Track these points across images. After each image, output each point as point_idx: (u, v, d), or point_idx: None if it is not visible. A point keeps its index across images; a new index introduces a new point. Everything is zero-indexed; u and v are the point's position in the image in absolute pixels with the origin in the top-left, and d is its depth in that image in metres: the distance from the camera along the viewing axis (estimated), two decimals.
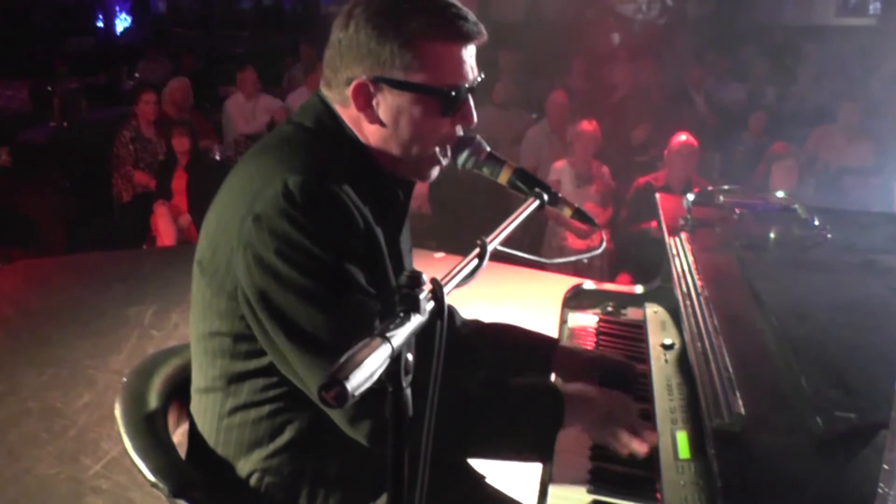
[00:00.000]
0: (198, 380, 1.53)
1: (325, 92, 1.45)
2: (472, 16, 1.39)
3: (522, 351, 1.80)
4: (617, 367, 1.81)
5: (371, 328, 1.29)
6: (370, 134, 1.43)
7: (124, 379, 1.68)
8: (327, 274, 1.29)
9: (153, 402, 1.62)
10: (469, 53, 1.41)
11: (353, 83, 1.37)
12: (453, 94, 1.39)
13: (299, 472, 1.46)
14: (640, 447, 1.45)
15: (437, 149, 1.45)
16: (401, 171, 1.49)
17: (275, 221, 1.28)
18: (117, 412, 1.59)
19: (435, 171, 1.50)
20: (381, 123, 1.40)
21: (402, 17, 1.34)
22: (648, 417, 1.64)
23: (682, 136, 5.05)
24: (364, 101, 1.38)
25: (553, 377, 1.83)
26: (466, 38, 1.39)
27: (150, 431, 1.56)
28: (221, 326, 1.41)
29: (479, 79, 1.43)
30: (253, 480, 1.47)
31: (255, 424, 1.45)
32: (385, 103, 1.38)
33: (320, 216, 1.30)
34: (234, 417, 1.46)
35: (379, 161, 1.45)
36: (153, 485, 1.45)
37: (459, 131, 1.47)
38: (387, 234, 1.46)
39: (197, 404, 1.54)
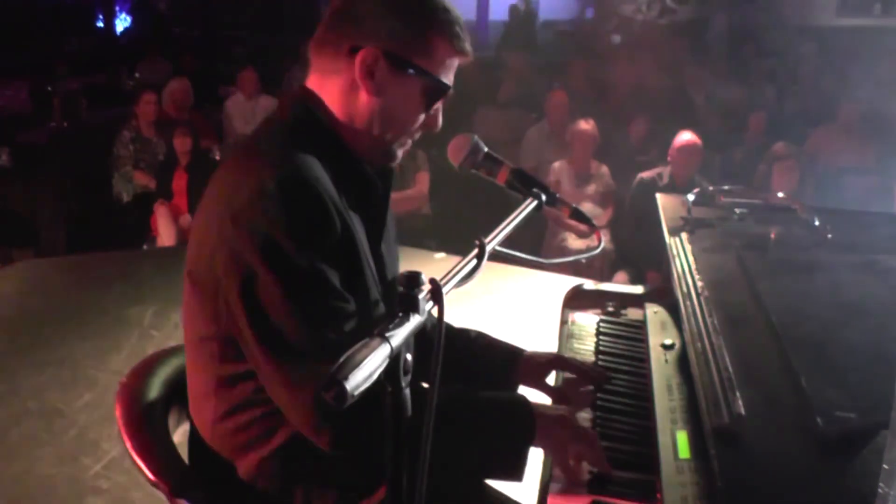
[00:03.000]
0: (192, 386, 1.53)
1: (316, 60, 1.45)
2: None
3: (488, 360, 1.79)
4: (576, 370, 1.82)
5: (342, 332, 1.29)
6: (356, 102, 1.42)
7: (123, 379, 1.68)
8: (302, 275, 1.29)
9: (153, 402, 1.63)
10: (455, 65, 1.46)
11: (363, 51, 1.37)
12: (446, 89, 1.43)
13: (293, 474, 1.46)
14: (605, 467, 1.47)
15: (403, 140, 1.48)
16: (370, 154, 1.49)
17: (252, 219, 1.28)
18: (117, 412, 1.59)
19: (400, 153, 1.51)
20: (374, 94, 1.41)
21: (427, 10, 1.40)
22: (648, 417, 1.64)
23: (686, 135, 5.05)
24: (366, 69, 1.38)
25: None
26: (466, 53, 1.45)
27: (151, 431, 1.56)
28: (209, 331, 1.41)
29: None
30: (250, 482, 1.47)
31: (248, 428, 1.45)
32: (384, 77, 1.39)
33: (296, 212, 1.29)
34: (228, 421, 1.46)
35: (353, 148, 1.46)
36: (154, 484, 1.45)
37: (417, 135, 1.50)
38: (367, 224, 1.47)
39: (193, 409, 1.54)
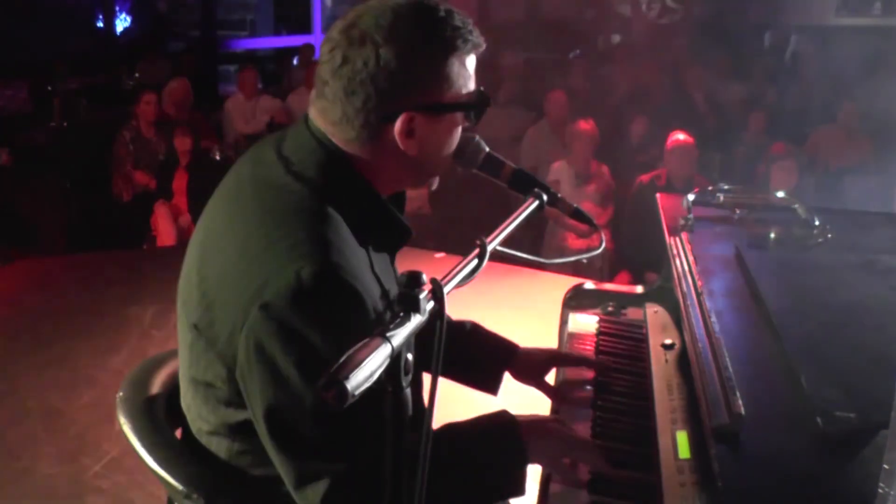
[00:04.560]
0: (199, 423, 1.44)
1: (333, 130, 1.33)
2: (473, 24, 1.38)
3: (483, 354, 1.78)
4: (574, 362, 1.83)
5: (362, 440, 1.20)
6: (403, 162, 1.34)
7: (120, 393, 1.63)
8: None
9: (156, 408, 1.59)
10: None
11: (399, 120, 1.29)
12: (484, 100, 1.37)
13: None
14: (603, 466, 1.47)
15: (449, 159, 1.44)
16: (407, 186, 1.46)
17: (285, 316, 1.19)
18: (122, 421, 1.54)
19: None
20: (417, 149, 1.33)
21: (427, 36, 1.30)
22: (648, 417, 1.64)
23: (678, 136, 5.05)
24: (407, 133, 1.31)
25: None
26: (478, 46, 1.37)
27: (161, 438, 1.50)
28: (218, 382, 1.34)
29: None
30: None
31: (264, 468, 1.35)
32: (423, 129, 1.32)
33: (333, 312, 1.21)
34: (244, 458, 1.39)
35: (382, 190, 1.38)
36: (186, 495, 1.39)
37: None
38: (391, 257, 1.44)
39: (204, 442, 1.45)
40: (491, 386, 1.79)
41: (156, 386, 1.64)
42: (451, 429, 1.45)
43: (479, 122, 1.43)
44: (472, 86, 1.37)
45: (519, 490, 1.43)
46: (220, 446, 1.41)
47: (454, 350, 1.68)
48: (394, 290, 1.37)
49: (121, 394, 1.60)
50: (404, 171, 1.38)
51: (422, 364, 1.03)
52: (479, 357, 1.78)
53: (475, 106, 1.36)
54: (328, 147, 1.33)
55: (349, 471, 1.23)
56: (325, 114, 1.33)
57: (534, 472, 1.51)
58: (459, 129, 1.40)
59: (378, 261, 1.37)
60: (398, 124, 1.29)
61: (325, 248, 1.23)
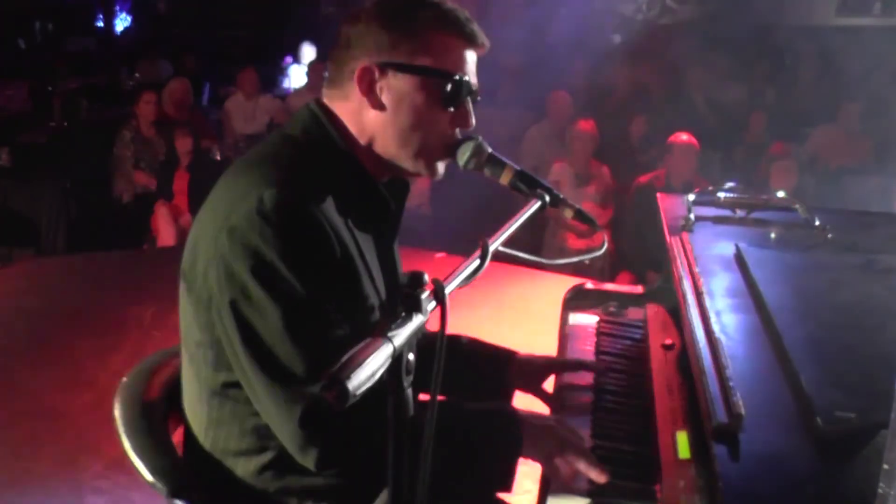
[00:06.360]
0: (187, 392, 1.53)
1: (327, 92, 1.46)
2: (477, 25, 1.43)
3: (481, 365, 1.78)
4: (573, 368, 1.82)
5: (332, 357, 1.26)
6: (370, 122, 1.42)
7: (124, 379, 1.68)
8: (293, 297, 1.28)
9: (153, 402, 1.62)
10: (471, 58, 1.43)
11: (358, 68, 1.39)
12: (457, 79, 1.41)
13: (286, 488, 1.45)
14: (598, 476, 1.43)
15: (436, 145, 1.45)
16: (400, 171, 1.48)
17: (247, 236, 1.28)
18: (116, 412, 1.59)
19: (441, 167, 1.49)
20: (383, 108, 1.41)
21: (413, 11, 1.40)
22: (648, 417, 1.64)
23: (682, 136, 5.05)
24: (367, 85, 1.40)
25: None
26: (471, 39, 1.42)
27: (150, 431, 1.56)
28: (202, 337, 1.40)
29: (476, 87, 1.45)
30: (244, 491, 1.46)
31: (240, 439, 1.44)
32: (388, 88, 1.40)
33: (293, 235, 1.29)
34: (221, 430, 1.45)
35: (371, 168, 1.45)
36: (152, 485, 1.45)
37: (458, 134, 1.47)
38: (378, 242, 1.46)
39: (189, 413, 1.54)
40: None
41: (157, 377, 1.67)
42: (451, 407, 1.45)
43: (477, 120, 1.45)
44: (457, 67, 1.42)
45: (506, 482, 1.43)
46: (201, 416, 1.48)
47: (455, 371, 1.68)
48: (377, 270, 1.44)
49: (124, 379, 1.67)
50: (380, 137, 1.43)
51: (421, 385, 1.03)
52: (483, 376, 1.77)
53: (441, 77, 1.40)
54: (314, 109, 1.45)
55: None
56: (328, 78, 1.47)
57: (534, 475, 1.52)
58: (435, 107, 1.42)
59: (362, 238, 1.41)
60: (357, 72, 1.39)
61: (290, 178, 1.33)
